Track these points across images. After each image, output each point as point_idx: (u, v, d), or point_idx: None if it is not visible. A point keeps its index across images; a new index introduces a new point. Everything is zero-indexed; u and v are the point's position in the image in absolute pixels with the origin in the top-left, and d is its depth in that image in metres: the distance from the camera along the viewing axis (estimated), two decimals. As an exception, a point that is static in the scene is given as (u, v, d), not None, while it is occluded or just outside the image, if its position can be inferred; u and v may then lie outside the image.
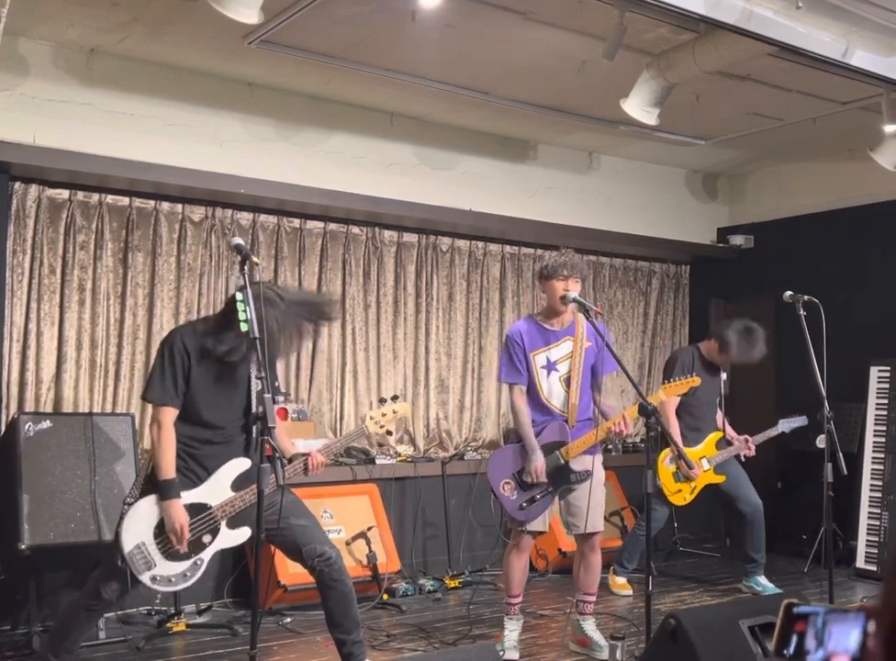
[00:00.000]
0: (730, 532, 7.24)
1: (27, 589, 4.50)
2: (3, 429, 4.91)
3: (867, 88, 5.30)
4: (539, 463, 4.31)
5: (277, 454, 3.07)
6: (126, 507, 3.61)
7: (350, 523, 5.54)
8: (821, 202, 7.18)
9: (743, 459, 5.82)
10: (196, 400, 3.61)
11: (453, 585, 5.83)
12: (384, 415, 3.92)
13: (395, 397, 4.02)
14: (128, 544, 3.53)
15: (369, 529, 5.49)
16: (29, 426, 4.49)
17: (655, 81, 4.77)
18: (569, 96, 5.86)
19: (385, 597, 5.40)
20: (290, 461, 3.76)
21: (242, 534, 3.68)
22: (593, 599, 4.62)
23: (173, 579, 3.59)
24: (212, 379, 3.61)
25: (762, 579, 5.78)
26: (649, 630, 3.78)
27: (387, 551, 5.58)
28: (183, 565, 3.59)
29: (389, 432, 4.09)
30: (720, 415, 5.87)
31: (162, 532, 3.57)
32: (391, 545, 5.63)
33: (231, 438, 3.69)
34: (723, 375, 5.87)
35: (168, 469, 3.55)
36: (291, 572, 5.13)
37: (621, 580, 5.81)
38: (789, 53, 4.67)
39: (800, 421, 5.91)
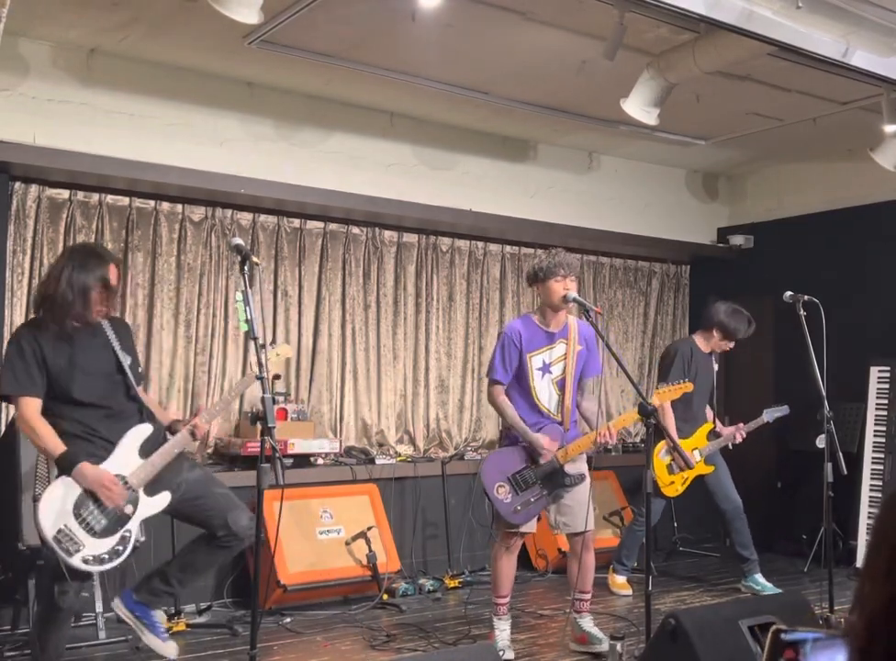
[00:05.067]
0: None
1: (27, 589, 4.51)
2: (3, 429, 4.91)
3: (867, 88, 5.30)
4: (544, 439, 4.32)
5: (277, 455, 3.06)
6: (36, 503, 3.56)
7: (350, 523, 5.53)
8: (821, 202, 7.18)
9: (730, 447, 5.88)
10: (63, 383, 3.56)
11: (452, 585, 5.83)
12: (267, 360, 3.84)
13: (272, 342, 3.93)
14: (49, 530, 3.45)
15: (369, 529, 5.48)
16: (29, 426, 4.49)
17: (654, 81, 4.77)
18: (569, 96, 5.85)
19: (385, 596, 5.40)
20: (171, 429, 3.72)
21: (163, 500, 3.64)
22: (588, 597, 4.64)
23: (106, 557, 3.52)
24: (70, 361, 3.56)
25: (759, 578, 5.78)
26: (649, 630, 3.78)
27: (387, 551, 5.57)
28: (111, 541, 3.54)
29: (277, 376, 4.10)
30: (708, 408, 5.91)
31: (81, 511, 3.50)
32: (391, 545, 5.63)
33: (120, 411, 3.65)
34: (715, 366, 5.90)
35: (56, 446, 3.49)
36: (291, 572, 5.14)
37: (621, 579, 5.82)
38: (789, 53, 4.66)
39: (782, 410, 5.96)
